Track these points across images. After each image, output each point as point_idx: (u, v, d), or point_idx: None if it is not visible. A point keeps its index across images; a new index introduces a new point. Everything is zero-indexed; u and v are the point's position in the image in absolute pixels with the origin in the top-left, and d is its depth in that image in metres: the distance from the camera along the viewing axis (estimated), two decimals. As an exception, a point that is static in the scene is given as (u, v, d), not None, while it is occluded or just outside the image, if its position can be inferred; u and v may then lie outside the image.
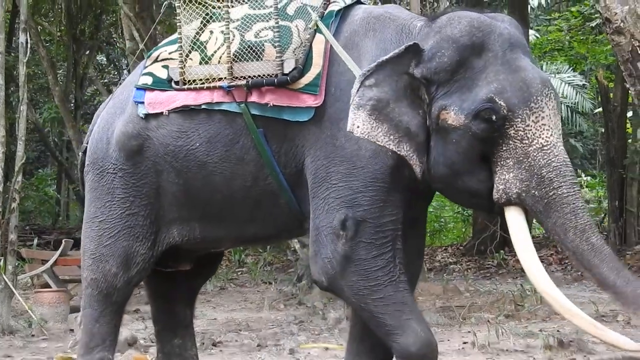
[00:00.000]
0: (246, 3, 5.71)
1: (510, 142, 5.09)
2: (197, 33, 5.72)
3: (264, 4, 5.65)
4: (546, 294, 5.17)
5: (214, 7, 5.74)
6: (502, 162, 5.13)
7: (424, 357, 5.33)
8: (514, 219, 5.19)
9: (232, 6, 5.67)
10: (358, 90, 5.10)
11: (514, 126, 5.07)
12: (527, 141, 5.07)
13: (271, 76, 5.44)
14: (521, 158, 5.08)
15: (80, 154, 6.41)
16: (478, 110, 5.06)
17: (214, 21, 5.73)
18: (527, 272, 5.21)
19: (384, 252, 5.32)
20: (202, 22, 5.74)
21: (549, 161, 5.05)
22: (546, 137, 5.08)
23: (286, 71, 5.41)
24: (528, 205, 5.13)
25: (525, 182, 5.08)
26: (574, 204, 5.06)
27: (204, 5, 5.73)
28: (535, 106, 5.08)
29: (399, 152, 5.15)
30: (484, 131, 5.06)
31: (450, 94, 5.19)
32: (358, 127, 5.09)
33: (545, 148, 5.06)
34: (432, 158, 5.25)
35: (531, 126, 5.08)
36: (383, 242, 5.32)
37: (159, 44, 6.12)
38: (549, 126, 5.11)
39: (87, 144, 6.23)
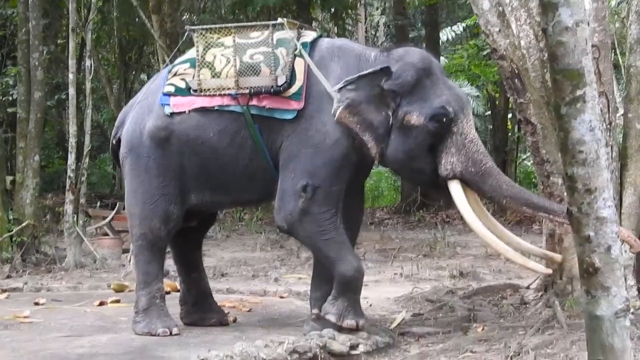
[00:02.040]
0: (232, 35, 5.87)
1: (454, 136, 5.53)
2: (202, 56, 5.85)
3: (248, 35, 5.86)
4: (483, 237, 5.61)
5: (211, 38, 5.89)
6: (447, 150, 5.54)
7: (356, 279, 5.68)
8: (457, 189, 5.59)
9: (223, 36, 5.90)
10: (340, 91, 5.46)
11: (456, 125, 5.52)
12: (464, 135, 5.53)
13: (268, 87, 5.63)
14: (460, 147, 5.52)
15: (112, 142, 6.41)
16: (434, 114, 5.49)
17: (211, 47, 5.87)
18: (468, 222, 5.64)
19: (330, 209, 5.60)
20: (204, 48, 5.88)
21: (477, 148, 5.54)
22: (473, 132, 5.59)
23: (279, 84, 5.63)
24: (467, 178, 5.54)
25: (465, 162, 5.51)
26: (497, 171, 5.61)
27: (204, 37, 5.90)
28: (466, 112, 5.60)
29: (362, 137, 5.50)
30: (437, 129, 5.51)
31: (412, 103, 5.56)
32: (336, 115, 5.45)
33: (474, 140, 5.55)
34: (392, 147, 5.58)
35: (465, 125, 5.54)
36: (330, 202, 5.60)
37: (174, 63, 6.16)
38: (472, 125, 5.62)
39: (116, 136, 6.31)
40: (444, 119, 5.49)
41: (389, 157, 5.61)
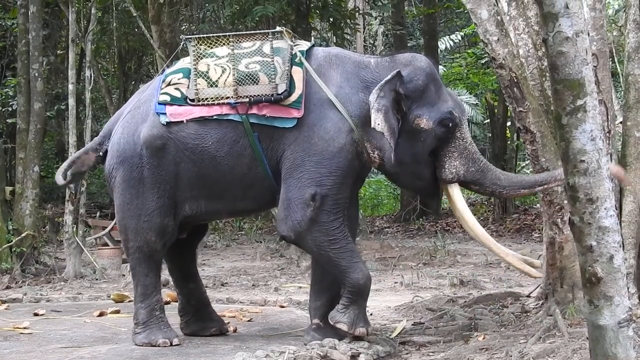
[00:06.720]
0: (224, 46, 5.86)
1: (457, 140, 5.73)
2: (195, 66, 5.82)
3: (240, 46, 5.84)
4: (483, 241, 5.88)
5: (203, 48, 5.87)
6: (450, 155, 5.73)
7: (367, 287, 5.73)
8: (457, 192, 5.82)
9: (215, 47, 5.87)
10: (376, 99, 5.44)
11: (459, 130, 5.71)
12: (465, 140, 5.75)
13: (268, 95, 5.60)
14: (462, 150, 5.72)
15: (98, 154, 6.20)
16: (443, 118, 5.64)
17: (203, 57, 5.84)
18: (470, 225, 5.85)
19: (338, 217, 5.62)
20: (195, 59, 5.85)
21: (475, 149, 5.79)
22: (469, 136, 5.83)
23: (279, 92, 5.61)
24: (468, 178, 5.74)
25: (466, 164, 5.71)
26: (491, 166, 5.91)
27: (197, 47, 5.87)
28: (465, 118, 5.81)
29: (390, 144, 5.50)
30: (443, 133, 5.66)
31: (421, 107, 5.66)
32: (378, 124, 5.45)
33: (472, 142, 5.82)
34: (398, 151, 5.60)
35: (465, 130, 5.75)
36: (338, 211, 5.62)
37: (166, 72, 6.08)
38: (468, 129, 5.85)
39: (102, 147, 6.15)
40: (450, 124, 5.66)
41: (393, 161, 5.57)
